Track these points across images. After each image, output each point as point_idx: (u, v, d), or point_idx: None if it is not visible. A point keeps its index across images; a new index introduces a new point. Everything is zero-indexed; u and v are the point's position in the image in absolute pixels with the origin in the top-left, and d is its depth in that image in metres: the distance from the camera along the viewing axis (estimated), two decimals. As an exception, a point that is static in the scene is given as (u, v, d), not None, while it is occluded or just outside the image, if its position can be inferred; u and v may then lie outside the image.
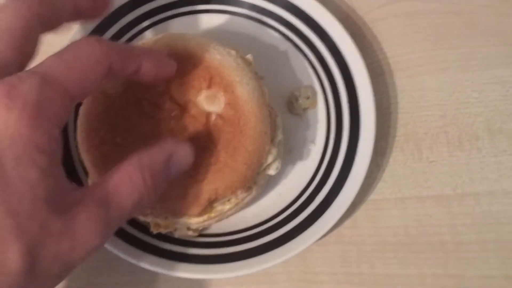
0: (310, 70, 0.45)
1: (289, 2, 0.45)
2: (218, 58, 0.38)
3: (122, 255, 0.40)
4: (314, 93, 0.45)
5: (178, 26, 0.45)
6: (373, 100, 0.42)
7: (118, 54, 0.30)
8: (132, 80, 0.32)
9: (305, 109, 0.45)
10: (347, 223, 0.44)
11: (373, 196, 0.44)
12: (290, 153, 0.44)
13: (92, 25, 0.44)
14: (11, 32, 0.28)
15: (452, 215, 0.44)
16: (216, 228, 0.43)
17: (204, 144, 0.36)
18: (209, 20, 0.46)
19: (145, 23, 0.45)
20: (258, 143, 0.37)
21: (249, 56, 0.40)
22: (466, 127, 0.45)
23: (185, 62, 0.37)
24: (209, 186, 0.37)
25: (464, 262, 0.43)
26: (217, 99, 0.37)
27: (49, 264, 0.25)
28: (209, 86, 0.37)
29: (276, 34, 0.46)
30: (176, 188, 0.36)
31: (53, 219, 0.25)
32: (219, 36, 0.42)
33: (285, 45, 0.46)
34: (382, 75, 0.47)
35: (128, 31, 0.45)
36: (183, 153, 0.33)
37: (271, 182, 0.44)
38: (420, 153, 0.45)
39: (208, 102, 0.37)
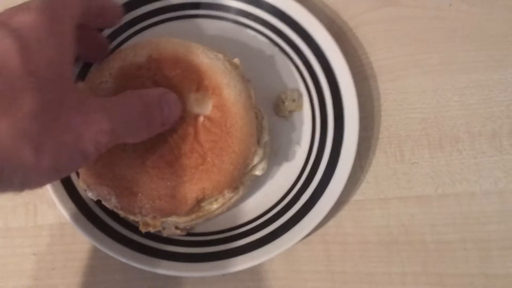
0: (296, 74, 0.46)
1: (275, 8, 0.46)
2: (206, 61, 0.39)
3: (112, 254, 0.41)
4: (300, 96, 0.46)
5: (167, 31, 0.46)
6: (356, 103, 0.44)
7: None
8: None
9: (291, 112, 0.46)
10: (331, 222, 0.45)
11: (356, 196, 0.46)
12: (276, 155, 0.45)
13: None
14: None
15: (433, 215, 0.45)
16: (203, 227, 0.44)
17: (191, 145, 0.38)
18: (198, 25, 0.47)
19: (135, 28, 0.46)
20: (244, 144, 0.38)
21: (236, 60, 0.41)
22: (447, 129, 0.47)
23: (174, 65, 0.38)
24: (196, 186, 0.38)
25: (444, 260, 0.44)
26: (205, 101, 0.38)
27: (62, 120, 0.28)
28: (197, 89, 0.38)
29: (263, 39, 0.47)
30: (164, 188, 0.37)
31: (68, 91, 0.29)
32: (207, 40, 0.43)
33: (272, 49, 0.47)
34: (366, 79, 0.48)
35: (118, 36, 0.46)
36: (173, 97, 0.36)
37: (258, 182, 0.45)
38: (402, 155, 0.46)
39: (196, 104, 0.38)
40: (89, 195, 0.40)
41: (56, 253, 0.45)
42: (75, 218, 0.42)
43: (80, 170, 0.39)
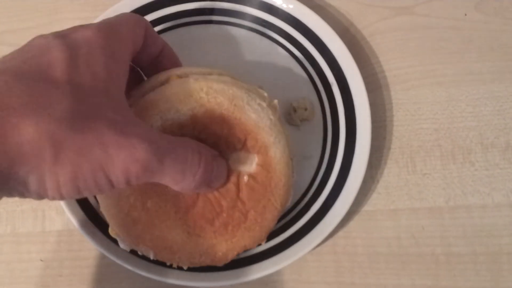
0: (309, 82, 0.46)
1: (290, 15, 0.46)
2: (253, 117, 0.36)
3: (120, 262, 0.41)
4: (312, 105, 0.46)
5: (181, 36, 0.46)
6: (369, 113, 0.43)
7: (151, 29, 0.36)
8: (153, 63, 0.38)
9: (302, 120, 0.46)
10: (341, 233, 0.45)
11: (367, 207, 0.45)
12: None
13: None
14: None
15: (444, 227, 0.45)
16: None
17: (234, 202, 0.37)
18: (212, 31, 0.46)
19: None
20: (285, 200, 0.38)
21: (275, 102, 0.39)
22: (460, 140, 0.46)
23: (220, 124, 0.36)
24: (238, 244, 0.38)
25: (455, 273, 0.44)
26: (249, 159, 0.37)
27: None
28: (243, 147, 0.37)
29: (276, 46, 0.46)
30: (206, 247, 0.38)
31: (107, 109, 0.28)
32: (221, 47, 0.43)
33: (285, 57, 0.46)
34: (379, 88, 0.48)
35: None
36: (224, 162, 0.36)
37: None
38: (414, 166, 0.46)
39: (239, 163, 0.37)
40: (121, 246, 0.39)
41: (63, 260, 0.45)
42: (83, 225, 0.41)
43: (111, 221, 0.37)
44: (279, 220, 0.43)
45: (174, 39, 0.42)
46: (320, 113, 0.46)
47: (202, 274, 0.41)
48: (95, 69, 0.28)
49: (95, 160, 0.26)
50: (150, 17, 0.46)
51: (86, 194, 0.28)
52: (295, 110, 0.45)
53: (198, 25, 0.47)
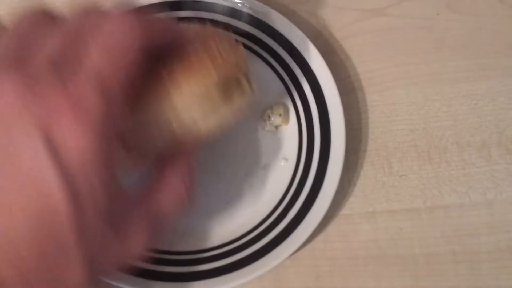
0: (282, 87, 0.46)
1: (260, 20, 0.45)
2: None
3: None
4: (287, 110, 0.46)
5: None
6: (343, 116, 0.43)
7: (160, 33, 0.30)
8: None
9: (277, 126, 0.46)
10: (320, 238, 0.45)
11: (345, 211, 0.45)
12: (264, 170, 0.45)
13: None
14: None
15: (422, 227, 0.45)
16: (189, 245, 0.43)
17: None
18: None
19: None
20: None
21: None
22: (436, 140, 0.46)
23: None
24: None
25: (434, 274, 0.44)
26: None
27: (101, 273, 0.28)
28: None
29: (246, 51, 0.46)
30: None
31: (109, 233, 0.27)
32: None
33: (256, 62, 0.46)
34: (353, 91, 0.48)
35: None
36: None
37: (245, 198, 0.44)
38: (390, 167, 0.46)
39: None
40: None
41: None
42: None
43: None
44: (256, 228, 0.43)
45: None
46: (295, 118, 0.46)
47: (180, 284, 0.41)
48: (96, 198, 0.25)
49: None
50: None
51: None
52: (269, 116, 0.45)
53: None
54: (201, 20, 0.46)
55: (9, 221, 0.23)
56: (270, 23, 0.45)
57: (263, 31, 0.46)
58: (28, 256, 0.24)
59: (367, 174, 0.46)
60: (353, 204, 0.45)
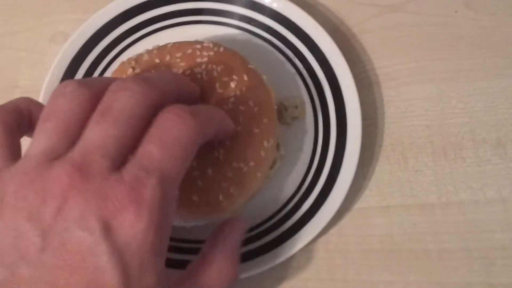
0: (299, 80, 0.46)
1: (279, 13, 0.46)
2: None
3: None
4: (303, 103, 0.46)
5: (169, 38, 0.46)
6: (359, 110, 0.43)
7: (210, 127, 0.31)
8: None
9: (293, 119, 0.46)
10: (333, 231, 0.45)
11: (359, 204, 0.45)
12: (279, 162, 0.45)
13: (83, 39, 0.45)
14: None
15: (436, 223, 0.44)
16: (203, 234, 0.43)
17: None
18: (200, 31, 0.47)
19: (137, 35, 0.46)
20: None
21: None
22: (451, 137, 0.46)
23: None
24: None
25: (448, 269, 0.43)
26: None
27: None
28: None
29: (266, 45, 0.47)
30: None
31: None
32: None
33: (275, 55, 0.47)
34: (369, 86, 0.48)
35: (119, 43, 0.46)
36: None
37: (260, 190, 0.44)
38: (405, 162, 0.46)
39: None
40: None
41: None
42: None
43: None
44: (270, 219, 0.44)
45: (164, 40, 0.42)
46: (311, 111, 0.46)
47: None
48: (147, 282, 0.25)
49: None
50: (140, 18, 0.46)
51: None
52: (286, 109, 0.45)
53: (186, 26, 0.47)
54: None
55: None
56: (289, 16, 0.46)
57: (281, 24, 0.46)
58: None
59: (382, 168, 0.46)
60: (367, 198, 0.45)
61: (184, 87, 0.33)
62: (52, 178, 0.24)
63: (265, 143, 0.38)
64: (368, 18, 0.49)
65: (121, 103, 0.27)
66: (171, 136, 0.27)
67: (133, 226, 0.24)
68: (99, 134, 0.26)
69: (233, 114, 0.37)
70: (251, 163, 0.38)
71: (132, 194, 0.24)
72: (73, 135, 0.26)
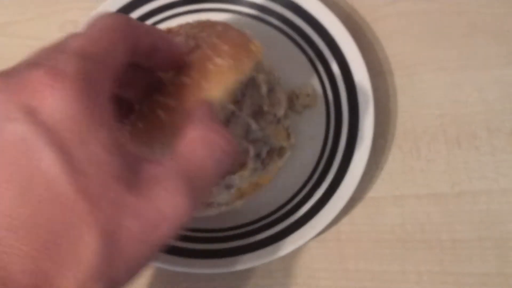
0: (311, 68, 0.46)
1: (290, 1, 0.45)
2: None
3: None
4: (314, 91, 0.45)
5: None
6: (372, 99, 0.43)
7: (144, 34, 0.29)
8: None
9: (305, 107, 0.45)
10: (345, 220, 0.44)
11: (371, 193, 0.45)
12: (290, 150, 0.45)
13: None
14: None
15: (449, 213, 0.44)
16: (214, 223, 0.43)
17: None
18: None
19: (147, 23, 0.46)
20: None
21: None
22: (465, 126, 0.46)
23: None
24: None
25: (461, 259, 0.43)
26: None
27: (129, 245, 0.23)
28: None
29: (276, 32, 0.46)
30: None
31: (127, 197, 0.23)
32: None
33: (286, 43, 0.46)
34: (382, 74, 0.47)
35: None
36: None
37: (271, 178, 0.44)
38: (418, 152, 0.45)
39: None
40: None
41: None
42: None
43: None
44: (281, 208, 0.43)
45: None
46: (323, 99, 0.45)
47: (204, 261, 0.41)
48: (92, 153, 0.23)
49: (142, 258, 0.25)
50: (149, 6, 0.46)
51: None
52: (297, 97, 0.45)
53: (196, 14, 0.46)
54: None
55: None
56: (301, 4, 0.45)
57: (293, 12, 0.46)
58: (27, 223, 0.22)
59: (394, 157, 0.45)
60: (380, 187, 0.45)
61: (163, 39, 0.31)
62: None
63: (217, 60, 0.33)
64: (381, 6, 0.49)
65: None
66: (96, 27, 0.26)
67: (57, 101, 0.22)
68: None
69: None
70: (196, 75, 0.33)
71: (51, 72, 0.23)
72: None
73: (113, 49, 0.26)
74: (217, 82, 0.32)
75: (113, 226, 0.23)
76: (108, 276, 0.23)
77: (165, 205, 0.24)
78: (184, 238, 0.42)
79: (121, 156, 0.24)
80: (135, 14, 0.46)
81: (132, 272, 0.24)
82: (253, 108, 0.42)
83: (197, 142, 0.27)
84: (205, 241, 0.42)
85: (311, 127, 0.45)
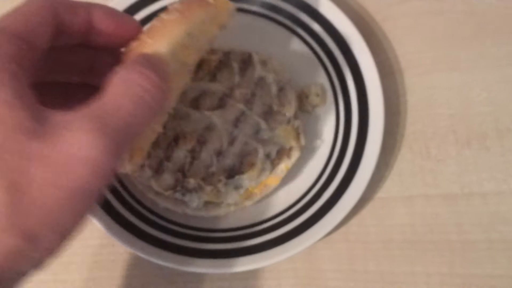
0: (321, 68, 0.45)
1: (301, 1, 0.45)
2: None
3: (133, 250, 0.41)
4: (324, 91, 0.45)
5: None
6: (382, 99, 0.43)
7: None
8: (88, 41, 0.31)
9: (314, 106, 0.45)
10: (354, 220, 0.44)
11: (381, 194, 0.44)
12: (299, 150, 0.44)
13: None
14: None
15: (459, 214, 0.44)
16: (223, 223, 0.43)
17: None
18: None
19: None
20: None
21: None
22: (475, 126, 0.45)
23: None
24: None
25: (470, 261, 0.43)
26: None
27: (41, 192, 0.23)
28: None
29: (287, 32, 0.46)
30: None
31: (32, 145, 0.23)
32: (228, 34, 0.42)
33: (296, 43, 0.46)
34: (392, 74, 0.47)
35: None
36: None
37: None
38: (428, 152, 0.45)
39: None
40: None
41: (74, 248, 0.44)
42: (94, 213, 0.41)
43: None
44: (292, 207, 0.43)
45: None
46: (332, 99, 0.45)
47: (213, 261, 0.41)
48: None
49: (61, 198, 0.24)
50: (160, 3, 0.45)
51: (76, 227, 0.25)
52: (307, 97, 0.45)
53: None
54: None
55: None
56: (311, 4, 0.45)
57: (303, 11, 0.45)
58: None
59: (404, 158, 0.45)
60: (389, 188, 0.45)
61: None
62: None
63: (164, 16, 0.32)
64: (391, 5, 0.48)
65: None
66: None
67: None
68: None
69: None
70: (143, 36, 0.32)
71: None
72: None
73: (31, 19, 0.27)
74: (160, 36, 0.31)
75: (18, 175, 0.23)
76: (21, 226, 0.23)
77: (74, 147, 0.24)
78: (193, 238, 0.42)
79: (23, 110, 0.24)
80: (141, 14, 0.45)
81: (56, 223, 0.24)
82: (263, 108, 0.42)
83: (116, 84, 0.27)
84: (213, 241, 0.42)
85: (320, 126, 0.45)
